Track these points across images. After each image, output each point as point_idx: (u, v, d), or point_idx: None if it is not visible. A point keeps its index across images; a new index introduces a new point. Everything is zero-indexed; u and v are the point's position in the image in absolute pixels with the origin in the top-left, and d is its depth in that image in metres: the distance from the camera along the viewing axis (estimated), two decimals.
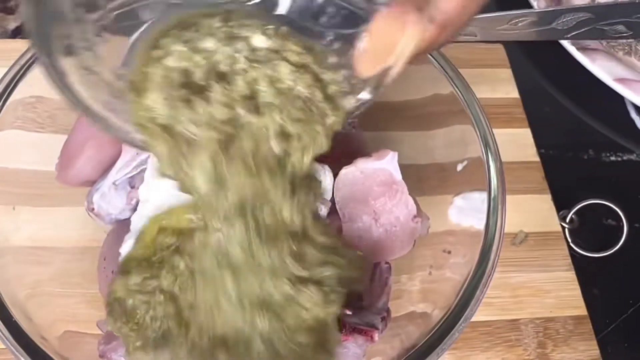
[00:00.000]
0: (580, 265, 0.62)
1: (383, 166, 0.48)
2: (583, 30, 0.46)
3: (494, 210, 0.48)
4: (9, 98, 0.48)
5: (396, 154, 0.49)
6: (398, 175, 0.48)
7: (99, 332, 0.47)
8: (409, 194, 0.50)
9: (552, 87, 0.78)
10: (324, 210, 0.45)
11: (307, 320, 0.39)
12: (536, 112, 0.73)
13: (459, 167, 0.53)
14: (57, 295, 0.49)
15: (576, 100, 0.77)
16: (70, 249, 0.54)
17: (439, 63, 0.52)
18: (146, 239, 0.41)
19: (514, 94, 0.72)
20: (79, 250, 0.54)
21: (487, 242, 0.47)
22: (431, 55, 0.52)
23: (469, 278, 0.45)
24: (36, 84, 0.50)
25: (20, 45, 0.70)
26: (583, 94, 0.76)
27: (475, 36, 0.48)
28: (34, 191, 0.52)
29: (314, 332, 0.39)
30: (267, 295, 0.38)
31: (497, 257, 0.44)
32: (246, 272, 0.38)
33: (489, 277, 0.44)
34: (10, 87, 0.49)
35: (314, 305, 0.38)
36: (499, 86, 0.73)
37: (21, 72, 0.49)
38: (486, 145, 0.50)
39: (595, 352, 0.57)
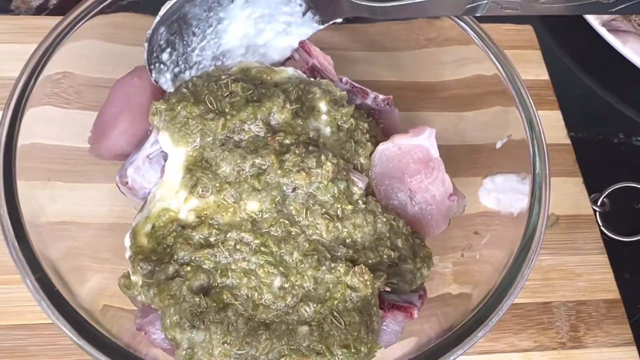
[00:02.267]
0: (611, 249, 0.61)
1: (420, 142, 0.47)
2: (628, 4, 0.45)
3: (538, 193, 0.47)
4: (40, 75, 0.48)
5: (434, 130, 0.48)
6: (435, 152, 0.48)
7: (135, 308, 0.47)
8: None
9: (581, 70, 0.76)
10: (361, 184, 0.44)
11: (354, 301, 0.38)
12: (565, 94, 0.72)
13: (498, 145, 0.52)
14: (91, 270, 0.49)
15: (605, 83, 0.75)
16: (99, 224, 0.53)
17: (483, 43, 0.51)
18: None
19: (544, 75, 0.71)
20: (108, 226, 0.53)
21: (531, 224, 0.46)
22: (477, 35, 0.51)
23: (511, 260, 0.44)
24: (63, 60, 0.50)
25: (44, 22, 0.70)
26: (612, 77, 0.75)
27: (517, 10, 0.46)
28: (65, 167, 0.52)
29: (359, 311, 0.39)
30: (314, 285, 0.38)
31: (541, 240, 0.44)
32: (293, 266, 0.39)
33: (532, 259, 0.43)
34: (41, 64, 0.48)
35: (363, 286, 0.38)
36: (529, 68, 0.72)
37: (50, 49, 0.49)
38: (531, 127, 0.49)
39: (629, 335, 0.56)
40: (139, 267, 0.41)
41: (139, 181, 0.45)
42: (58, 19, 0.56)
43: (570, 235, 0.61)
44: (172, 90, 0.48)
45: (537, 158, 0.48)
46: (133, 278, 0.42)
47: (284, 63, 0.52)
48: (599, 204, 0.64)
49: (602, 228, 0.62)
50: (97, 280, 0.48)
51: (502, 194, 0.54)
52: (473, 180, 0.56)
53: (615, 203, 0.64)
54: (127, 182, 0.45)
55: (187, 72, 0.49)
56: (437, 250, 0.54)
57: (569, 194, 0.64)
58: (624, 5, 0.45)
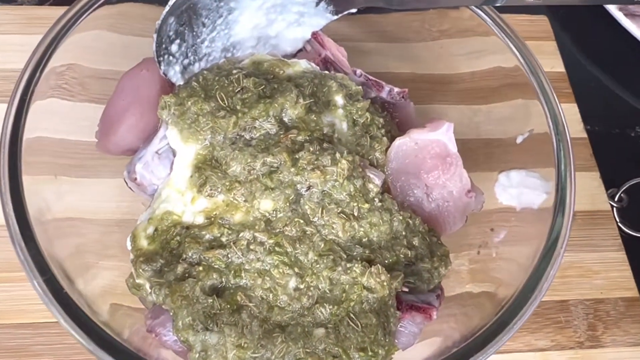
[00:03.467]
0: (629, 246, 0.60)
1: (438, 137, 0.46)
2: None
3: (562, 191, 0.46)
4: (45, 67, 0.47)
5: (452, 124, 0.47)
6: (453, 147, 0.46)
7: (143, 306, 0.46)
8: None
9: (596, 62, 0.75)
10: (377, 181, 0.43)
11: (370, 303, 0.37)
12: (580, 87, 0.70)
13: (519, 140, 0.51)
14: (98, 267, 0.48)
15: (620, 75, 0.74)
16: (106, 220, 0.52)
17: (504, 34, 0.49)
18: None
19: (560, 67, 0.69)
20: (115, 222, 0.52)
21: (556, 224, 0.45)
22: (497, 25, 0.49)
23: (535, 261, 0.43)
24: (69, 52, 0.48)
25: (48, 12, 0.68)
26: (628, 69, 0.73)
27: None
28: (71, 162, 0.51)
29: (375, 313, 0.37)
30: (330, 286, 0.37)
31: (566, 241, 0.42)
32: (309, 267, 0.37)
33: (557, 260, 0.42)
34: (46, 56, 0.47)
35: (380, 286, 0.37)
36: (544, 59, 0.69)
37: (56, 41, 0.47)
38: (555, 122, 0.48)
39: None
40: (140, 270, 0.40)
41: (148, 177, 0.44)
42: (62, 9, 0.55)
43: (587, 231, 0.60)
44: (181, 82, 0.46)
45: (562, 154, 0.46)
46: (138, 280, 0.40)
47: (295, 55, 0.51)
48: (616, 199, 0.62)
49: (619, 224, 0.61)
50: (105, 278, 0.47)
51: (519, 189, 0.53)
52: (489, 176, 0.54)
53: (633, 198, 0.63)
54: (135, 179, 0.44)
55: (197, 64, 0.47)
56: (452, 248, 0.52)
57: (585, 189, 0.62)
58: None
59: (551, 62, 0.70)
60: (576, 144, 0.65)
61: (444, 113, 0.59)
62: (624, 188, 0.62)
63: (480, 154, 0.56)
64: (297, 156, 0.40)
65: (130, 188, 0.48)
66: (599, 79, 0.74)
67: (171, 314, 0.38)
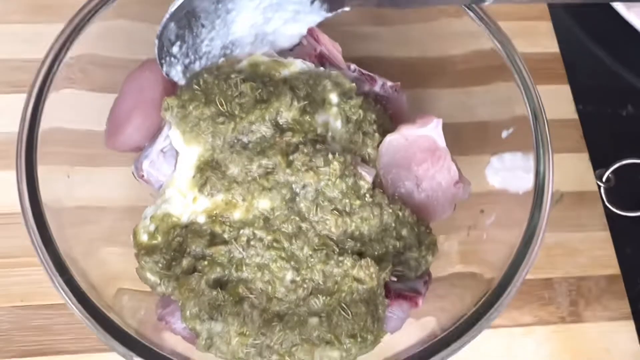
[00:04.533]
0: (615, 224, 0.63)
1: (427, 133, 0.48)
2: None
3: (542, 170, 0.48)
4: (63, 59, 0.48)
5: (440, 120, 0.49)
6: (442, 142, 0.49)
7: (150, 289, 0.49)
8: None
9: (593, 41, 0.75)
10: (368, 178, 0.46)
11: (360, 293, 0.41)
12: (576, 66, 0.71)
13: (503, 131, 0.53)
14: (108, 253, 0.51)
15: (616, 54, 0.74)
16: (117, 208, 0.55)
17: (478, 17, 0.51)
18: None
19: (554, 48, 0.71)
20: (126, 209, 0.55)
21: (536, 204, 0.47)
22: (468, 8, 0.50)
23: (520, 238, 0.45)
24: (87, 41, 0.49)
25: (53, 1, 0.69)
26: (624, 48, 0.74)
27: None
28: (84, 151, 0.52)
29: (365, 302, 0.41)
30: (323, 278, 0.40)
31: (546, 220, 0.45)
32: (304, 260, 0.40)
33: (539, 236, 0.44)
34: (66, 48, 0.48)
35: (369, 278, 0.40)
36: (539, 40, 0.71)
37: (74, 33, 0.48)
38: (531, 104, 0.49)
39: (627, 310, 0.58)
40: (143, 262, 0.44)
41: (155, 174, 0.47)
42: None
43: (574, 212, 0.62)
44: (183, 81, 0.49)
45: (540, 137, 0.48)
46: (143, 272, 0.44)
47: (292, 49, 0.53)
48: (604, 179, 0.64)
49: (606, 203, 0.63)
50: (113, 263, 0.50)
51: (509, 172, 0.54)
52: (480, 159, 0.56)
53: (621, 178, 0.65)
54: (143, 175, 0.47)
55: (197, 62, 0.49)
56: (442, 230, 0.55)
57: (574, 171, 0.64)
58: None
59: (546, 42, 0.71)
60: (567, 126, 0.67)
61: (439, 97, 0.61)
62: (612, 168, 0.64)
63: (474, 137, 0.58)
64: (291, 158, 0.43)
65: (138, 180, 0.51)
66: (594, 58, 0.74)
67: (179, 304, 0.42)
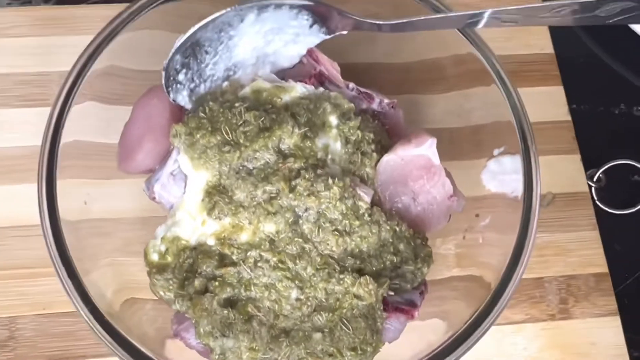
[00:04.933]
0: (605, 222, 0.65)
1: (422, 152, 0.51)
2: (627, 16, 0.46)
3: (528, 174, 0.50)
4: (87, 72, 0.50)
5: (434, 140, 0.51)
6: (436, 160, 0.51)
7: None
8: (445, 166, 0.53)
9: (588, 38, 0.76)
10: (367, 198, 0.48)
11: (360, 309, 0.44)
12: (571, 63, 0.73)
13: (495, 153, 0.55)
14: (120, 264, 0.53)
15: (611, 51, 0.75)
16: (129, 219, 0.58)
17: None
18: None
19: (549, 49, 0.72)
20: (138, 220, 0.57)
21: (524, 210, 0.50)
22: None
23: (516, 240, 0.48)
24: (112, 53, 0.51)
25: (61, 12, 0.68)
26: (619, 46, 0.75)
27: (517, 23, 0.48)
28: (99, 164, 0.54)
29: (364, 317, 0.44)
30: (326, 295, 0.43)
31: (537, 220, 0.48)
32: (307, 280, 0.44)
33: (532, 239, 0.47)
34: (91, 61, 0.50)
35: (368, 295, 0.44)
36: (534, 40, 0.73)
37: (103, 44, 0.50)
38: (516, 111, 0.51)
39: (614, 306, 0.62)
40: (155, 280, 0.47)
41: (166, 196, 0.50)
42: (74, 8, 0.55)
43: (565, 212, 0.65)
44: (189, 105, 0.51)
45: (526, 141, 0.50)
46: (154, 289, 0.47)
47: (293, 67, 0.55)
48: (595, 179, 0.67)
49: (597, 202, 0.66)
50: (127, 274, 0.53)
51: (504, 176, 0.56)
52: (477, 163, 0.57)
53: (612, 178, 0.67)
54: (154, 198, 0.50)
55: (202, 86, 0.52)
56: (439, 233, 0.58)
57: (566, 172, 0.67)
58: (620, 18, 0.47)
59: (541, 42, 0.73)
60: (559, 128, 0.69)
61: (434, 103, 0.63)
62: (603, 169, 0.67)
63: (469, 141, 0.60)
64: (294, 184, 0.45)
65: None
66: (589, 55, 0.75)
67: (193, 322, 0.46)
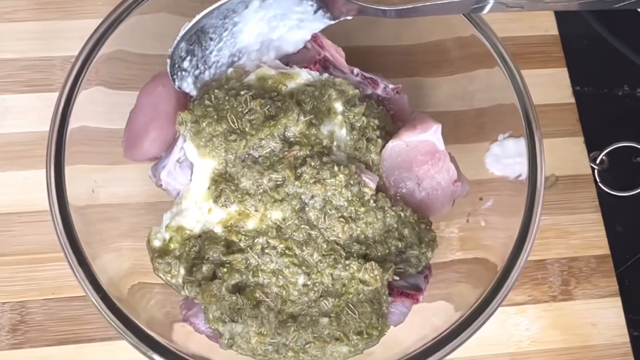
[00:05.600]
0: (607, 204, 0.66)
1: (427, 138, 0.51)
2: (633, 0, 0.46)
3: (533, 156, 0.50)
4: (94, 57, 0.49)
5: (439, 126, 0.51)
6: (441, 146, 0.51)
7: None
8: (449, 149, 0.53)
9: (592, 19, 0.76)
10: (372, 185, 0.49)
11: (366, 294, 0.45)
12: (575, 45, 0.72)
13: (502, 119, 0.54)
14: (128, 248, 0.54)
15: (616, 32, 0.74)
16: (136, 204, 0.58)
17: None
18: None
19: (553, 31, 0.72)
20: (145, 205, 0.58)
21: (529, 193, 0.50)
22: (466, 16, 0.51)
23: (521, 223, 0.48)
24: (119, 38, 0.50)
25: None
26: (623, 27, 0.74)
27: (523, 8, 0.48)
28: (106, 149, 0.54)
29: (370, 302, 0.45)
30: (332, 281, 0.44)
31: (542, 202, 0.48)
32: (314, 266, 0.44)
33: (536, 221, 0.48)
34: (97, 47, 0.49)
35: (373, 280, 0.44)
36: (538, 22, 0.72)
37: (110, 30, 0.49)
38: (520, 94, 0.51)
39: (614, 287, 0.63)
40: (157, 264, 0.48)
41: (172, 184, 0.50)
42: None
43: (568, 195, 0.66)
44: (194, 92, 0.51)
45: (530, 124, 0.50)
46: (158, 274, 0.48)
47: (297, 53, 0.55)
48: (597, 162, 0.67)
49: (599, 184, 0.66)
50: (134, 258, 0.53)
51: (508, 159, 0.57)
52: (480, 146, 0.58)
53: (615, 160, 0.67)
54: (161, 185, 0.50)
55: (207, 72, 0.52)
56: (443, 217, 0.58)
57: (569, 154, 0.67)
58: (626, 2, 0.47)
59: (545, 24, 0.72)
60: (563, 110, 0.69)
61: (438, 85, 0.63)
62: (606, 151, 0.67)
63: (473, 124, 0.60)
64: (299, 171, 0.46)
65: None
66: (593, 37, 0.74)
67: (202, 307, 0.47)
